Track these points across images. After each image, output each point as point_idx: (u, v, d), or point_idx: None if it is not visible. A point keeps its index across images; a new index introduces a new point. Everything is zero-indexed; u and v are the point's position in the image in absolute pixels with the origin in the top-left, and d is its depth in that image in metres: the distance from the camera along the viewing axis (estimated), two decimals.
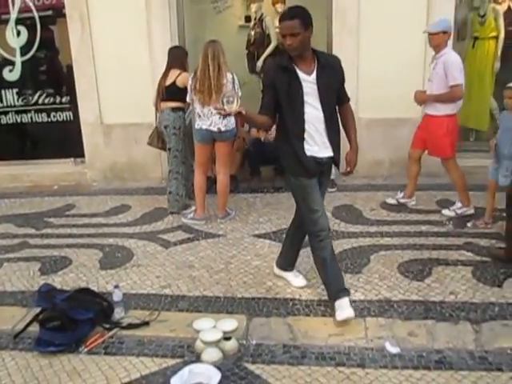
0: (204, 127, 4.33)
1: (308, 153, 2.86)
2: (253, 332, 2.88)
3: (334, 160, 2.97)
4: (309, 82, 2.78)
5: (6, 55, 6.54)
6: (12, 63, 6.55)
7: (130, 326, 2.97)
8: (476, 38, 5.78)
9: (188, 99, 4.47)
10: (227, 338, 2.71)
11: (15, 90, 6.65)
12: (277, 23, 6.56)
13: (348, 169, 2.99)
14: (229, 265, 3.74)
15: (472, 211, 4.30)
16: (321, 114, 2.82)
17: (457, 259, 3.56)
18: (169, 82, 4.65)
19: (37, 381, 2.57)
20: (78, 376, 2.58)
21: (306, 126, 2.82)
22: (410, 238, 3.94)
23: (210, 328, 2.75)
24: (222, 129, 4.28)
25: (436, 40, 4.15)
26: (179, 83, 4.60)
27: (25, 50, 6.45)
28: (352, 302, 3.08)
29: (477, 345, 2.67)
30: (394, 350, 2.66)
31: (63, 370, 2.65)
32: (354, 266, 3.56)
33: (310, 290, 3.29)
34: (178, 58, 4.75)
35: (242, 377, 2.50)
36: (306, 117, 2.80)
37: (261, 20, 6.43)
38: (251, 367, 2.57)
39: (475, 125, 5.86)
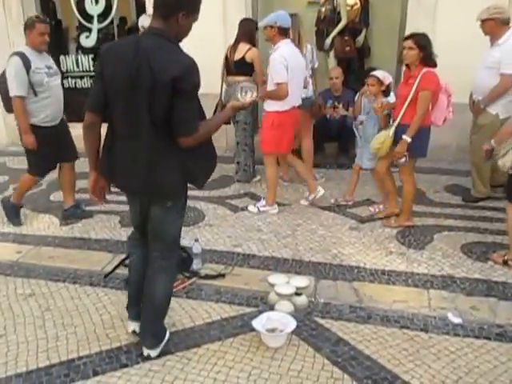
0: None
1: None
2: (320, 292, 3.09)
3: None
4: None
5: (84, 22, 6.90)
6: (89, 30, 6.92)
7: (208, 277, 3.25)
8: None
9: None
10: (298, 294, 2.94)
11: (91, 56, 7.02)
12: (348, 1, 6.60)
13: None
14: (295, 232, 3.95)
15: (275, 211, 4.34)
16: None
17: None
18: (238, 56, 4.78)
19: None
20: None
21: None
22: (473, 221, 4.02)
23: (283, 283, 2.99)
24: (303, 95, 4.49)
25: (266, 34, 4.09)
26: (248, 58, 4.74)
27: (102, 17, 6.79)
28: (416, 274, 3.26)
29: None
30: (456, 320, 2.81)
31: None
32: (417, 243, 3.70)
33: (375, 260, 3.47)
34: (247, 31, 4.80)
35: (312, 328, 2.73)
36: None
37: None
38: (321, 321, 2.80)
39: None
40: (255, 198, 4.69)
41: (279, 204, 4.47)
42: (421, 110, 3.55)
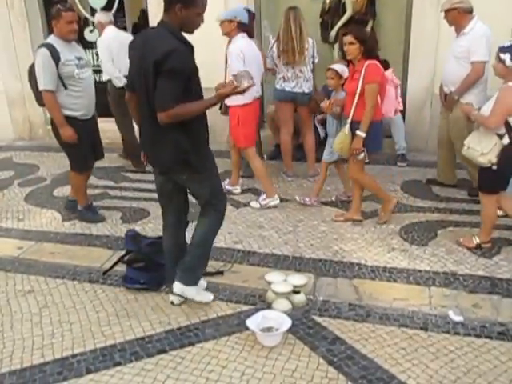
0: (287, 89, 4.52)
1: None
2: (320, 290, 3.05)
3: None
4: None
5: (87, 16, 6.86)
6: (92, 24, 6.87)
7: (206, 274, 3.20)
8: None
9: (269, 65, 4.62)
10: (296, 292, 2.90)
11: (95, 51, 6.96)
12: None
13: None
14: (296, 228, 3.91)
15: (277, 202, 4.29)
16: None
17: None
18: None
19: (125, 312, 2.89)
20: (161, 311, 2.88)
21: None
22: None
23: (281, 281, 2.95)
24: (306, 91, 4.43)
25: (224, 28, 4.11)
26: None
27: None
28: (418, 271, 3.20)
29: None
30: (457, 318, 2.75)
31: (148, 305, 2.95)
32: (420, 239, 3.63)
33: (376, 256, 3.41)
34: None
35: (309, 326, 2.70)
36: None
37: None
38: (318, 319, 2.76)
39: None
40: (258, 193, 4.63)
41: (282, 199, 4.43)
42: (370, 103, 3.51)
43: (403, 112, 5.45)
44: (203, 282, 3.11)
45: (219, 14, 4.22)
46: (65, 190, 4.90)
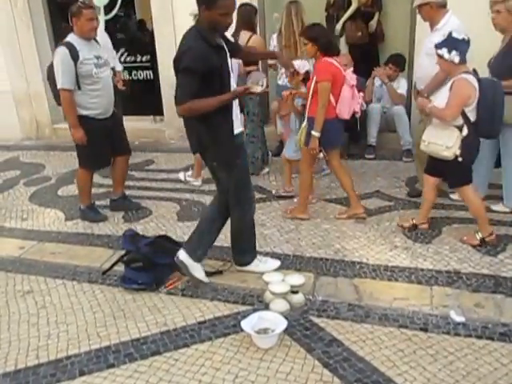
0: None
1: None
2: (319, 289, 3.01)
3: None
4: None
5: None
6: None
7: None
8: None
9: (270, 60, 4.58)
10: (295, 292, 2.86)
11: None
12: None
13: None
14: (299, 226, 3.86)
15: (198, 183, 4.80)
16: None
17: None
18: None
19: (122, 312, 2.88)
20: (158, 311, 2.86)
21: None
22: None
23: (278, 281, 2.91)
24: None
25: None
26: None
27: (108, 9, 6.71)
28: (420, 270, 3.14)
29: None
30: (458, 318, 2.68)
31: (145, 305, 2.94)
32: (424, 237, 3.55)
33: (378, 255, 3.35)
34: (246, 17, 4.64)
35: (307, 327, 2.65)
36: None
37: None
38: (316, 320, 2.72)
39: None
40: (262, 191, 4.60)
41: (285, 197, 4.39)
42: (320, 101, 3.51)
43: (408, 105, 5.37)
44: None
45: (193, 9, 4.19)
46: (69, 189, 4.93)
